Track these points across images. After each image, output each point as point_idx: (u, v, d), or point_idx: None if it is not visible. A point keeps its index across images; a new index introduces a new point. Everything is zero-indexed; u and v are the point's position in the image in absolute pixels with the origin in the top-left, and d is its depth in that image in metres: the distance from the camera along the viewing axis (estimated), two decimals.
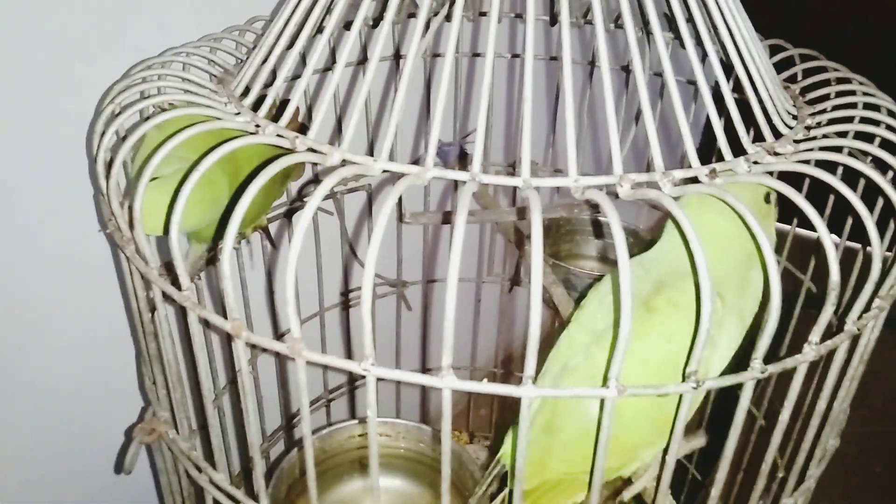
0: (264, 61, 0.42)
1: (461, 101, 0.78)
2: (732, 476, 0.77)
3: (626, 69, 0.74)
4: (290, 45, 0.41)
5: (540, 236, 0.29)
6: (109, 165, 0.39)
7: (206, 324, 0.35)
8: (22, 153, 0.53)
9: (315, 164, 0.68)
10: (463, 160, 0.79)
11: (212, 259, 0.59)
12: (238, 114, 0.40)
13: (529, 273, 0.31)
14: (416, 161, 0.86)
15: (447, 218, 0.71)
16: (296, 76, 0.59)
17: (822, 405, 0.38)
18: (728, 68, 0.41)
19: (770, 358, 0.32)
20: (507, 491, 0.48)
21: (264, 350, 0.65)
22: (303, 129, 0.69)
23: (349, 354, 0.88)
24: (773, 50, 0.56)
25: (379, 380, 0.31)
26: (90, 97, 0.54)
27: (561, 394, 0.31)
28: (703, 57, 0.42)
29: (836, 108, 0.45)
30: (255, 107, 0.40)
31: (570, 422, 0.43)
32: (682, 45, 0.58)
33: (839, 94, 0.47)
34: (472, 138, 0.87)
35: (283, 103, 0.66)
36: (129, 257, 0.38)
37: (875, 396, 1.38)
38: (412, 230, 0.81)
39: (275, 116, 0.39)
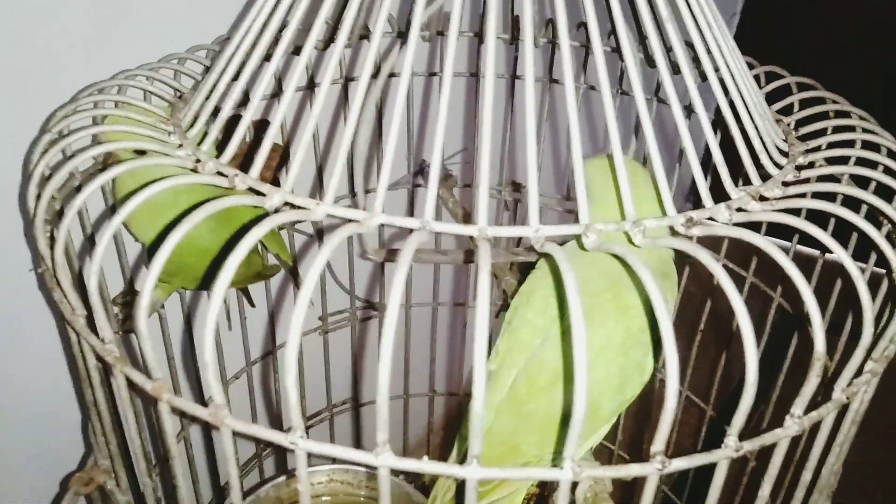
0: (213, 88, 0.39)
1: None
2: None
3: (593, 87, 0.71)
4: (237, 76, 0.38)
5: (487, 290, 0.26)
6: (39, 198, 0.36)
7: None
8: None
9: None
10: (446, 181, 0.76)
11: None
12: (180, 146, 0.37)
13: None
14: (417, 173, 0.83)
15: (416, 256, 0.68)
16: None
17: (807, 476, 0.34)
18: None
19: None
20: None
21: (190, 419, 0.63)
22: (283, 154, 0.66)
23: (328, 379, 0.85)
24: (769, 77, 0.53)
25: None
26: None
27: (511, 475, 0.27)
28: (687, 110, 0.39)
29: (831, 145, 0.42)
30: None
31: (542, 406, 0.41)
32: (651, 65, 0.55)
33: (836, 130, 0.43)
34: (457, 158, 0.84)
35: (261, 123, 0.63)
36: (57, 301, 0.35)
37: (878, 423, 1.33)
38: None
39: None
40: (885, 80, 1.50)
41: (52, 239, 0.32)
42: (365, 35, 0.57)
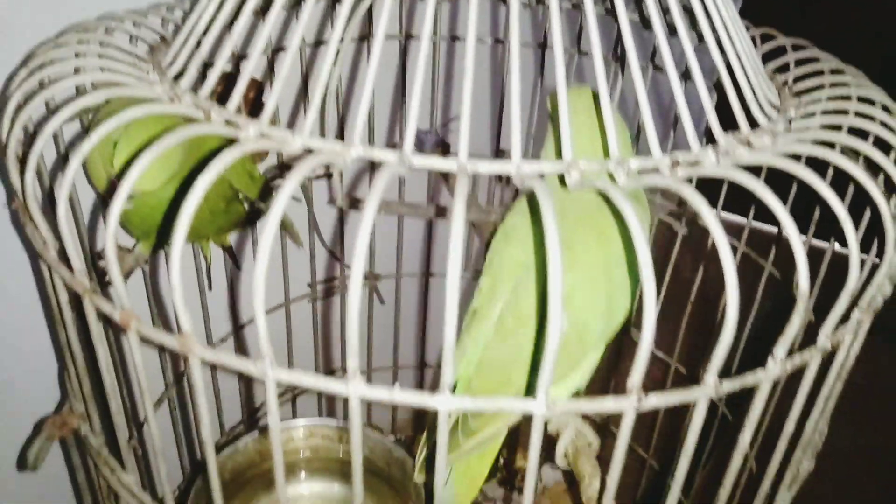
0: (193, 28, 0.38)
1: (440, 88, 0.74)
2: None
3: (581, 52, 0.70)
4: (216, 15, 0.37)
5: (461, 224, 0.26)
6: (12, 126, 0.35)
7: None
8: None
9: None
10: (440, 149, 0.75)
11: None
12: (158, 83, 0.36)
13: None
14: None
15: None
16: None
17: (790, 426, 0.34)
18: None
19: None
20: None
21: (163, 350, 0.62)
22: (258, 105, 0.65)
23: (316, 348, 0.84)
24: (764, 39, 0.52)
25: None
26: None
27: (482, 406, 0.27)
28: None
29: (828, 99, 0.41)
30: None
31: (530, 336, 0.41)
32: (646, 26, 0.54)
33: (832, 86, 0.43)
34: (453, 126, 0.84)
35: (231, 77, 0.62)
36: (29, 236, 0.35)
37: (870, 409, 1.33)
38: (387, 221, 0.78)
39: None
40: (885, 60, 1.49)
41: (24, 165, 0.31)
42: None
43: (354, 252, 0.25)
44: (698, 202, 0.27)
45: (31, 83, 0.35)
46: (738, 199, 0.64)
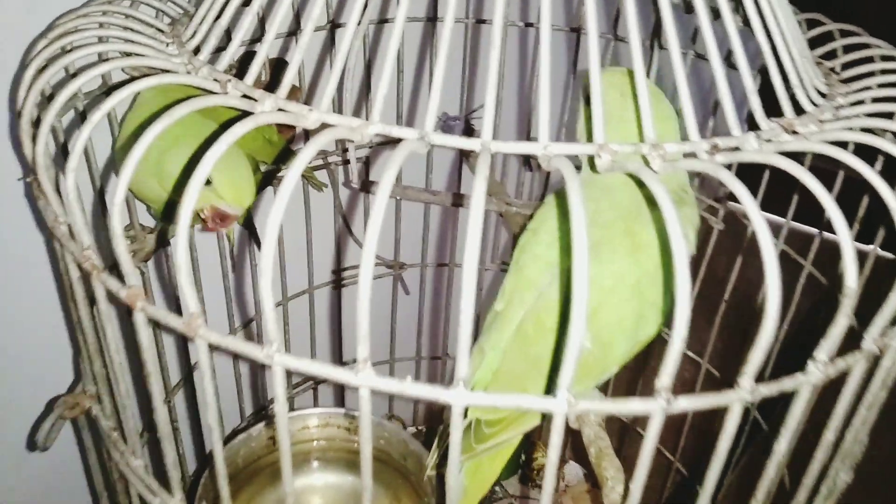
0: (212, 3, 0.37)
1: (468, 78, 0.73)
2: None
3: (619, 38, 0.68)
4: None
5: (481, 205, 0.24)
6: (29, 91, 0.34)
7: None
8: None
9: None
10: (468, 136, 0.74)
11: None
12: (177, 55, 0.35)
13: None
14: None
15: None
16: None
17: (829, 437, 0.32)
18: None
19: None
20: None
21: (170, 330, 0.60)
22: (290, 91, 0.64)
23: (339, 335, 0.83)
24: (810, 25, 0.49)
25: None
26: None
27: (499, 402, 0.25)
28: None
29: (879, 86, 0.38)
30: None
31: (550, 348, 0.39)
32: (688, 10, 0.52)
33: (883, 73, 0.40)
34: (480, 113, 0.82)
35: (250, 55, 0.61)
36: (42, 211, 0.34)
37: None
38: (413, 209, 0.77)
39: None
40: None
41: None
42: None
43: (367, 229, 0.23)
44: (737, 187, 0.25)
45: (51, 50, 0.35)
46: (777, 200, 0.61)
